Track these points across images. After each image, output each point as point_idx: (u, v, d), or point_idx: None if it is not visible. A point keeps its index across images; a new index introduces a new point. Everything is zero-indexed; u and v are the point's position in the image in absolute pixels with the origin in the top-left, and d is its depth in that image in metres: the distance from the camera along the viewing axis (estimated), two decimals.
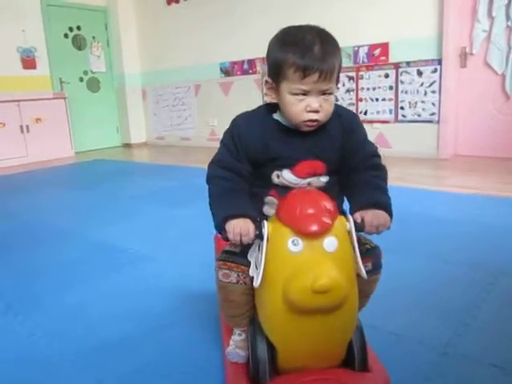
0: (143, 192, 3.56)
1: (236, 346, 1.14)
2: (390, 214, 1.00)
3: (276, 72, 0.98)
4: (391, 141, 4.59)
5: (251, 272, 1.00)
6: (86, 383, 1.19)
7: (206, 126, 6.23)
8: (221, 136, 1.11)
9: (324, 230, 0.89)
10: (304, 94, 0.95)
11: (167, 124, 6.76)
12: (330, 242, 0.90)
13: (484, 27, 4.05)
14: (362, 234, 1.01)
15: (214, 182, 1.06)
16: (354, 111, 4.69)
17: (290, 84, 0.95)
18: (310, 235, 0.89)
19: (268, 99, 1.04)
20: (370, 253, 1.06)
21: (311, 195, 0.96)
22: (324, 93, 0.96)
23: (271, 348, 1.00)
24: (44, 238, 2.48)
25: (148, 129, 7.08)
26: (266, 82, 1.02)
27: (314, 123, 0.98)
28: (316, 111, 0.96)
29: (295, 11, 4.94)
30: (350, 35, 4.58)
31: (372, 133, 4.60)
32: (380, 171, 1.07)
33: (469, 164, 4.01)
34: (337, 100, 4.85)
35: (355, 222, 0.95)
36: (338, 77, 0.99)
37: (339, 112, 1.05)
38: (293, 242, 0.90)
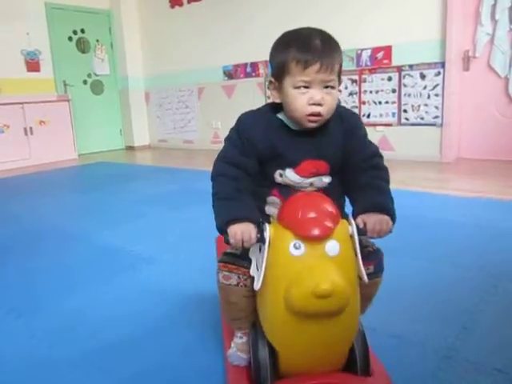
0: (146, 195, 3.57)
1: (237, 348, 1.14)
2: (393, 217, 0.99)
3: (279, 69, 0.99)
4: (394, 144, 4.58)
5: (252, 272, 1.00)
6: None
7: (209, 129, 6.24)
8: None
9: (326, 235, 0.89)
10: (306, 87, 0.97)
11: (170, 127, 6.78)
12: (332, 246, 0.90)
13: (487, 30, 4.04)
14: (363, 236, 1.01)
15: (219, 179, 1.04)
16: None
17: (293, 77, 0.97)
18: (312, 239, 0.89)
19: (272, 99, 1.06)
20: (371, 256, 1.06)
21: (313, 198, 0.96)
22: (326, 86, 0.97)
23: (273, 352, 0.99)
24: (47, 241, 2.49)
25: (151, 132, 7.09)
26: (270, 82, 1.04)
27: (317, 117, 0.98)
28: (319, 104, 0.97)
29: (298, 14, 4.95)
30: (352, 38, 4.59)
31: (375, 136, 4.59)
32: (381, 171, 1.06)
33: (472, 167, 4.00)
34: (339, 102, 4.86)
35: (357, 227, 0.95)
36: (340, 75, 1.01)
37: (341, 113, 1.07)
38: (294, 245, 0.90)
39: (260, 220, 0.98)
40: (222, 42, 5.82)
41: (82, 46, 6.46)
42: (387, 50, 4.46)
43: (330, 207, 0.93)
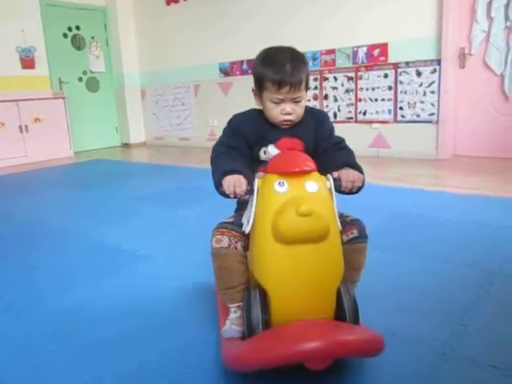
0: (142, 192, 3.56)
1: (232, 323, 1.19)
2: (362, 173, 1.21)
3: (259, 84, 1.28)
4: (390, 141, 4.58)
5: (244, 227, 1.14)
6: (84, 382, 1.19)
7: (206, 127, 6.23)
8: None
9: (305, 171, 1.07)
10: (280, 102, 1.24)
11: (166, 124, 6.76)
12: (311, 185, 1.07)
13: (483, 28, 4.05)
14: (343, 212, 1.19)
15: (216, 156, 1.28)
16: (353, 111, 4.70)
17: (269, 94, 1.24)
18: (293, 174, 1.07)
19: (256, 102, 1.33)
20: (353, 222, 1.22)
21: (295, 152, 1.20)
22: (295, 101, 1.24)
23: (265, 302, 1.07)
24: (43, 239, 2.48)
25: (147, 129, 7.07)
26: (253, 89, 1.32)
27: (289, 122, 1.28)
28: (289, 113, 1.25)
29: (293, 12, 4.94)
30: (349, 35, 4.59)
31: (371, 133, 4.60)
32: (348, 151, 1.31)
33: (468, 164, 4.01)
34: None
35: (333, 179, 1.13)
36: (307, 85, 1.28)
37: (312, 110, 1.37)
38: (279, 183, 1.06)
39: (250, 176, 1.17)
40: (219, 39, 5.80)
41: (78, 43, 6.43)
42: (383, 47, 4.46)
43: (307, 158, 1.12)
